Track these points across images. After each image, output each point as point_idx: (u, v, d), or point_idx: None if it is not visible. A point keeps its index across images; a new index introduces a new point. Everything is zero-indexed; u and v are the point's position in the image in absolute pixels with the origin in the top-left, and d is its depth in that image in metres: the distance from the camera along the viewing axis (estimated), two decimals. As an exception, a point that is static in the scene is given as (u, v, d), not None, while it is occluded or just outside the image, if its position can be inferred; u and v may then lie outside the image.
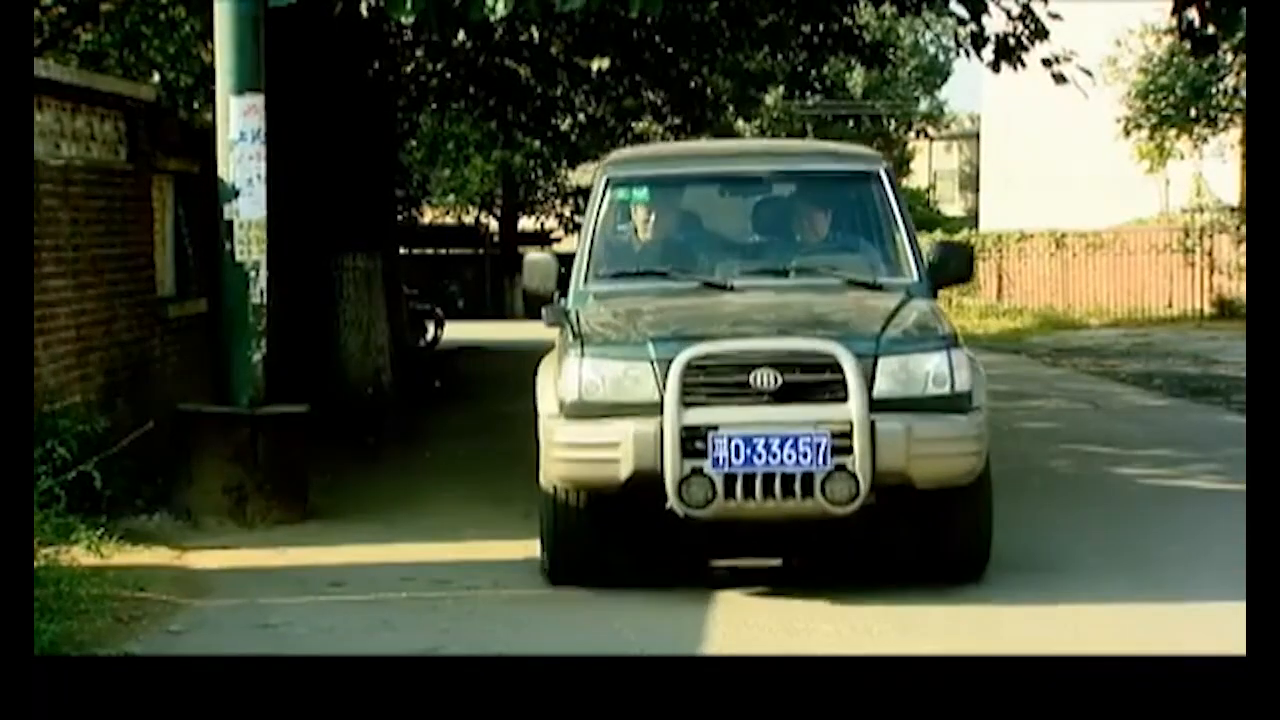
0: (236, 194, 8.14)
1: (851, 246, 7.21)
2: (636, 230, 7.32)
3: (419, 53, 15.26)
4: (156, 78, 14.93)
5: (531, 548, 6.68)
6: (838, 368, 5.95)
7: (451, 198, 33.27)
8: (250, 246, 8.18)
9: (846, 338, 6.08)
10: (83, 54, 14.15)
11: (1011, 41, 11.68)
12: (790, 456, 5.88)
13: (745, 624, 5.84)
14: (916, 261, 6.94)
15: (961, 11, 11.51)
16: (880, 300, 6.62)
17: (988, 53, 11.73)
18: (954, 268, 7.01)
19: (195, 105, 15.19)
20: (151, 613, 5.94)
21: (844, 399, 5.93)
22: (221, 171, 8.19)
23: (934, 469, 6.03)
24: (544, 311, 6.84)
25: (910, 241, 7.00)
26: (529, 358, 6.79)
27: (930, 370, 6.09)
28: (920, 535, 6.47)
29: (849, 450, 5.89)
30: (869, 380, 5.97)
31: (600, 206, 7.14)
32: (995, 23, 11.75)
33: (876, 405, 5.95)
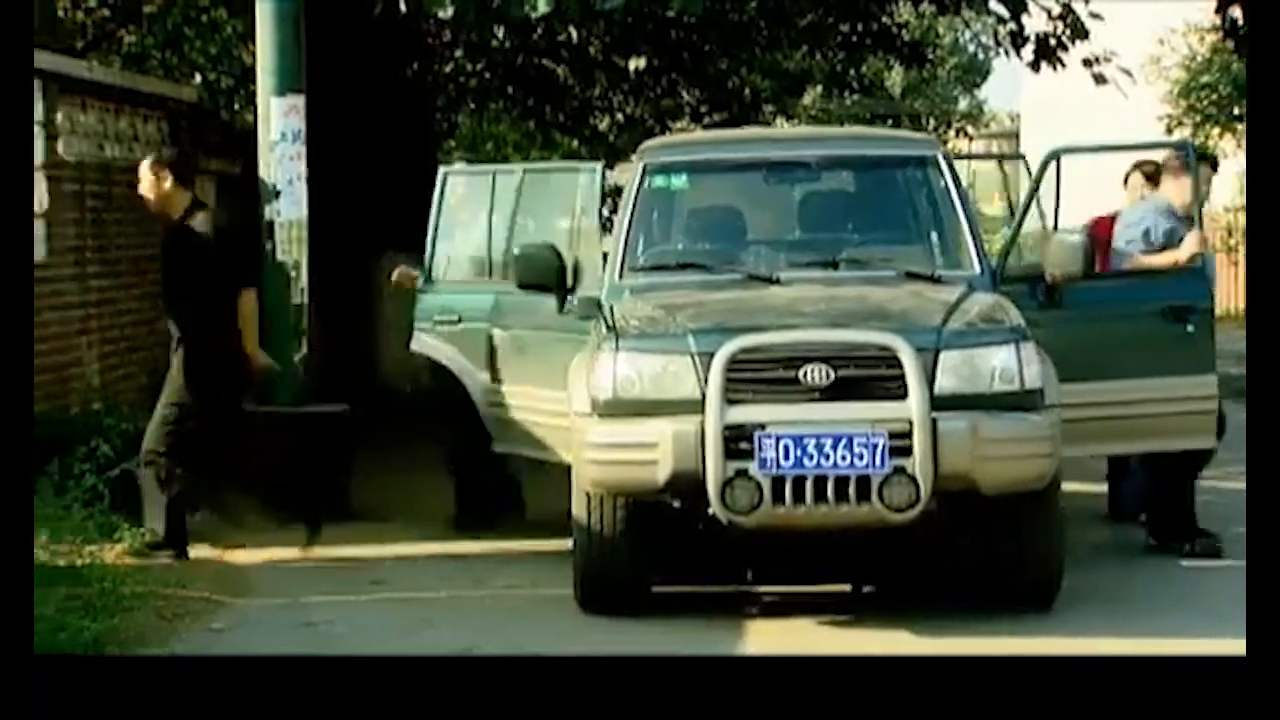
0: (277, 194, 8.19)
1: (907, 236, 6.74)
2: (674, 221, 6.97)
3: (457, 53, 15.29)
4: (198, 79, 15.02)
5: (568, 548, 6.63)
6: (895, 362, 5.51)
7: (490, 197, 33.28)
8: (291, 247, 8.23)
9: (905, 330, 5.62)
10: (125, 56, 14.24)
11: (1052, 41, 11.62)
12: (844, 458, 5.45)
13: (783, 646, 5.60)
14: (979, 253, 6.47)
15: (1001, 10, 11.45)
16: (940, 292, 6.12)
17: (1027, 52, 11.68)
18: (1068, 262, 6.37)
19: (236, 106, 15.28)
20: (194, 610, 5.98)
21: (902, 396, 5.48)
22: (262, 172, 8.24)
23: (1002, 472, 5.56)
24: (575, 304, 6.47)
25: (972, 231, 6.52)
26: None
27: (997, 365, 5.64)
28: (985, 550, 5.98)
29: (908, 451, 5.43)
30: (930, 376, 5.52)
31: (636, 196, 6.67)
32: (1035, 22, 11.68)
33: (938, 403, 5.50)
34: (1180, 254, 6.81)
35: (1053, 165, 7.02)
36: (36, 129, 7.71)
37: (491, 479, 7.78)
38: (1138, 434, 6.64)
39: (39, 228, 7.68)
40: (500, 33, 13.23)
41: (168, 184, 6.82)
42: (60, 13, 12.25)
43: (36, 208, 7.65)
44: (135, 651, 5.16)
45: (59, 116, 8.00)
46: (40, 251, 7.65)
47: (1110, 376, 6.51)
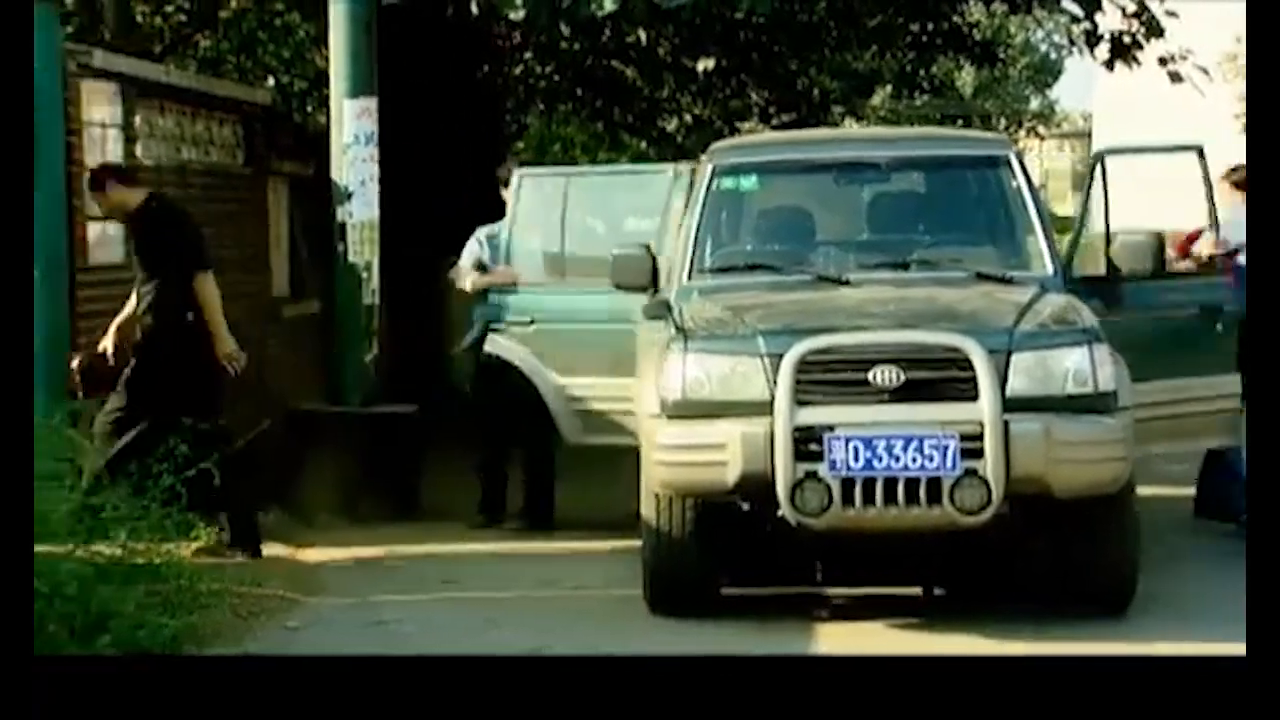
0: (349, 196, 8.28)
1: (978, 237, 6.72)
2: (743, 222, 6.96)
3: (527, 55, 15.38)
4: (271, 82, 15.21)
5: (638, 549, 6.64)
6: (967, 364, 5.49)
7: (558, 198, 33.44)
8: (362, 248, 8.31)
9: (976, 331, 5.60)
10: (201, 60, 14.45)
11: (1126, 39, 11.48)
12: (915, 460, 5.42)
13: (852, 649, 5.59)
14: (1051, 253, 6.43)
15: (1075, 9, 11.33)
16: (1012, 293, 6.11)
17: (1102, 51, 11.54)
18: (1140, 261, 6.39)
19: (309, 109, 15.45)
20: (269, 608, 6.06)
21: (974, 398, 5.46)
22: (335, 174, 8.33)
23: (1075, 475, 5.52)
24: (644, 305, 6.50)
25: (1044, 232, 6.49)
26: (635, 358, 6.73)
27: (1070, 367, 5.60)
28: (1057, 554, 5.94)
29: (980, 454, 5.40)
30: (1001, 377, 5.50)
31: (705, 197, 6.69)
32: (1110, 20, 11.55)
33: (1010, 405, 5.46)
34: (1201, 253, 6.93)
35: (1098, 167, 7.02)
36: (115, 132, 7.85)
37: (538, 478, 7.89)
38: (1187, 433, 6.69)
39: (116, 230, 7.80)
40: (569, 34, 13.28)
41: (115, 194, 6.87)
42: (139, 17, 12.45)
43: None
44: (212, 648, 5.24)
45: (137, 120, 8.12)
46: (117, 253, 7.77)
47: (1171, 375, 6.54)
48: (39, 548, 4.79)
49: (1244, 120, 26.33)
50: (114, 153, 7.82)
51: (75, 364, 6.02)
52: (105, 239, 7.64)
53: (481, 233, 8.06)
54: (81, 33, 11.63)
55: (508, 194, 7.87)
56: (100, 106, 7.71)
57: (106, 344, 6.75)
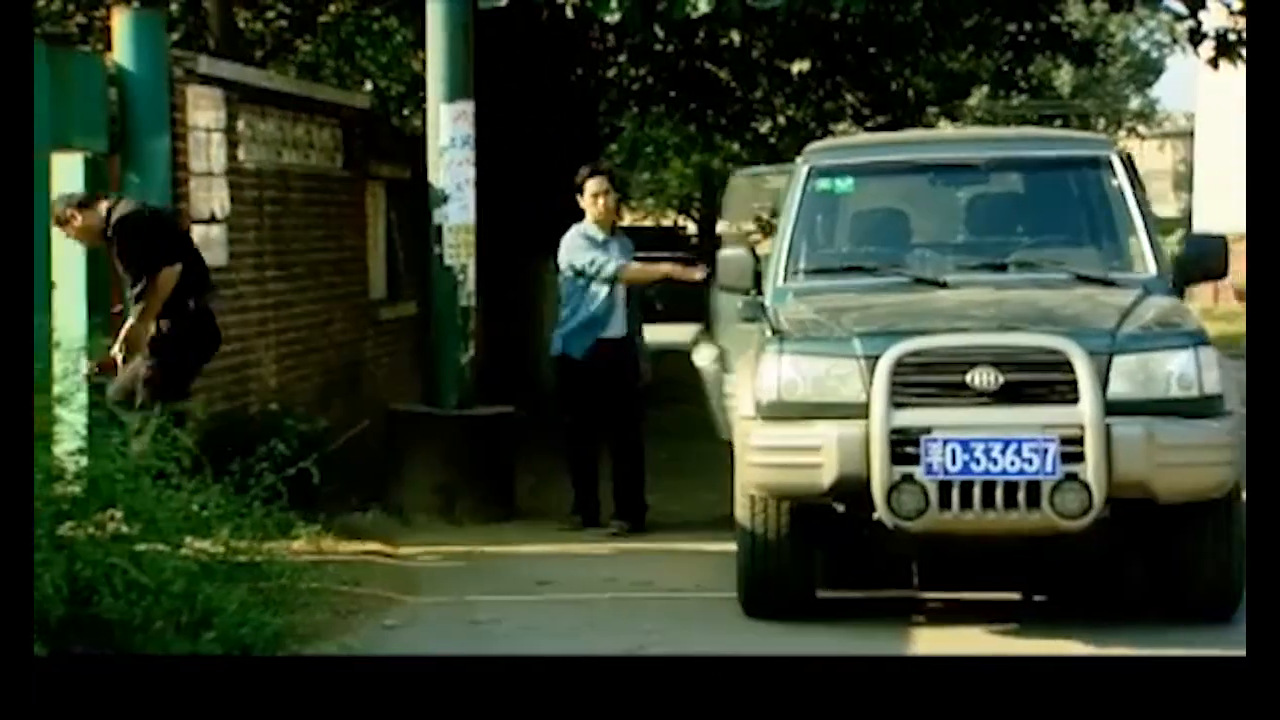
0: (446, 199, 8.35)
1: (1080, 239, 6.63)
2: (839, 223, 6.92)
3: (621, 57, 15.42)
4: (369, 86, 15.40)
5: (733, 551, 6.64)
6: (1067, 366, 5.42)
7: (651, 201, 33.52)
8: (459, 250, 8.37)
9: (1077, 333, 5.54)
10: (300, 65, 14.66)
11: (1231, 37, 11.27)
12: (1013, 463, 5.36)
13: (949, 652, 5.52)
14: (1155, 255, 6.33)
15: (1179, 7, 11.15)
16: (1114, 296, 6.05)
17: (1206, 49, 11.34)
18: (1207, 262, 6.28)
19: (406, 112, 15.62)
20: (367, 607, 6.12)
21: (1074, 400, 5.39)
22: (432, 177, 8.40)
23: (1179, 479, 5.44)
24: (739, 306, 6.49)
25: (1148, 233, 6.39)
26: (729, 361, 6.74)
27: (1174, 370, 5.52)
28: (1161, 560, 5.84)
29: (1080, 458, 5.33)
30: (1103, 380, 5.43)
31: (800, 198, 6.66)
32: (1214, 18, 11.35)
33: (1112, 408, 5.40)
34: None
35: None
36: (219, 136, 7.99)
37: (630, 479, 7.92)
38: None
39: (220, 233, 7.95)
40: (663, 36, 13.30)
41: (84, 219, 6.77)
42: (241, 23, 12.66)
43: (219, 213, 7.93)
44: (312, 646, 5.31)
45: (240, 124, 8.27)
46: (221, 256, 7.91)
47: None
48: (147, 546, 4.90)
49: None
50: (218, 157, 7.97)
51: (86, 370, 6.12)
52: (209, 242, 7.78)
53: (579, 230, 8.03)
54: (187, 39, 11.86)
55: (583, 200, 7.91)
56: (205, 111, 7.85)
57: (115, 352, 6.80)
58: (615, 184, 8.14)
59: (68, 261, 6.87)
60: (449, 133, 8.32)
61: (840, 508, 5.76)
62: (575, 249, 7.92)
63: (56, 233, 6.78)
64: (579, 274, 7.86)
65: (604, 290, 7.81)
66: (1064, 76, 34.16)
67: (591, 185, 7.93)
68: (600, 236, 7.93)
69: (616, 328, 7.87)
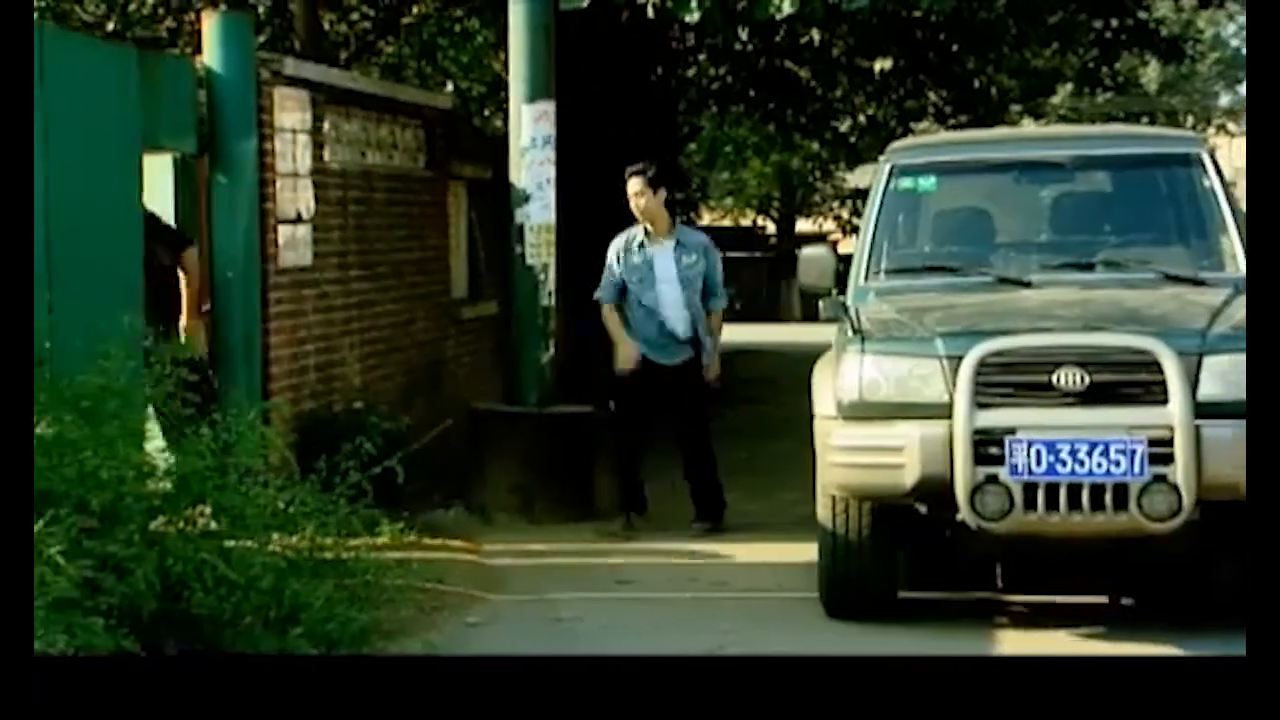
0: (527, 199, 8.39)
1: (1168, 238, 6.57)
2: (921, 223, 6.88)
3: (701, 57, 15.42)
4: (450, 87, 15.51)
5: (812, 551, 6.62)
6: (1155, 366, 5.36)
7: (729, 200, 33.48)
8: (540, 250, 8.42)
9: (1166, 334, 5.47)
10: (384, 66, 14.80)
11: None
12: (1100, 465, 5.32)
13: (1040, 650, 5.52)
14: (1245, 254, 6.18)
15: (1269, 1, 10.94)
16: (1204, 295, 5.98)
17: (1297, 44, 11.12)
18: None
19: (486, 113, 15.72)
20: (450, 604, 6.18)
21: (1163, 401, 5.34)
22: (513, 177, 8.45)
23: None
24: (821, 305, 6.45)
25: (1238, 232, 6.30)
26: (805, 360, 6.70)
27: None
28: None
29: (1169, 460, 5.28)
30: (1193, 381, 5.37)
31: (883, 197, 6.64)
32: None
33: (1201, 409, 5.33)
34: None
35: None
36: (305, 137, 8.09)
37: (704, 479, 7.92)
38: None
39: (305, 233, 8.04)
40: (744, 35, 13.28)
41: None
42: (326, 25, 12.81)
43: (304, 213, 8.02)
44: (397, 642, 5.37)
45: (325, 125, 8.36)
46: (306, 256, 8.01)
47: None
48: (236, 542, 4.98)
49: None
50: (303, 157, 8.06)
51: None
52: (294, 242, 7.88)
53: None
54: (273, 41, 12.02)
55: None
56: (291, 113, 7.94)
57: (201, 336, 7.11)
58: (663, 181, 7.93)
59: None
60: (530, 133, 8.36)
61: (922, 508, 5.73)
62: (609, 256, 7.90)
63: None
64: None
65: (649, 294, 7.77)
66: (1151, 73, 33.64)
67: (629, 186, 7.91)
68: (639, 240, 7.86)
69: (669, 330, 7.80)
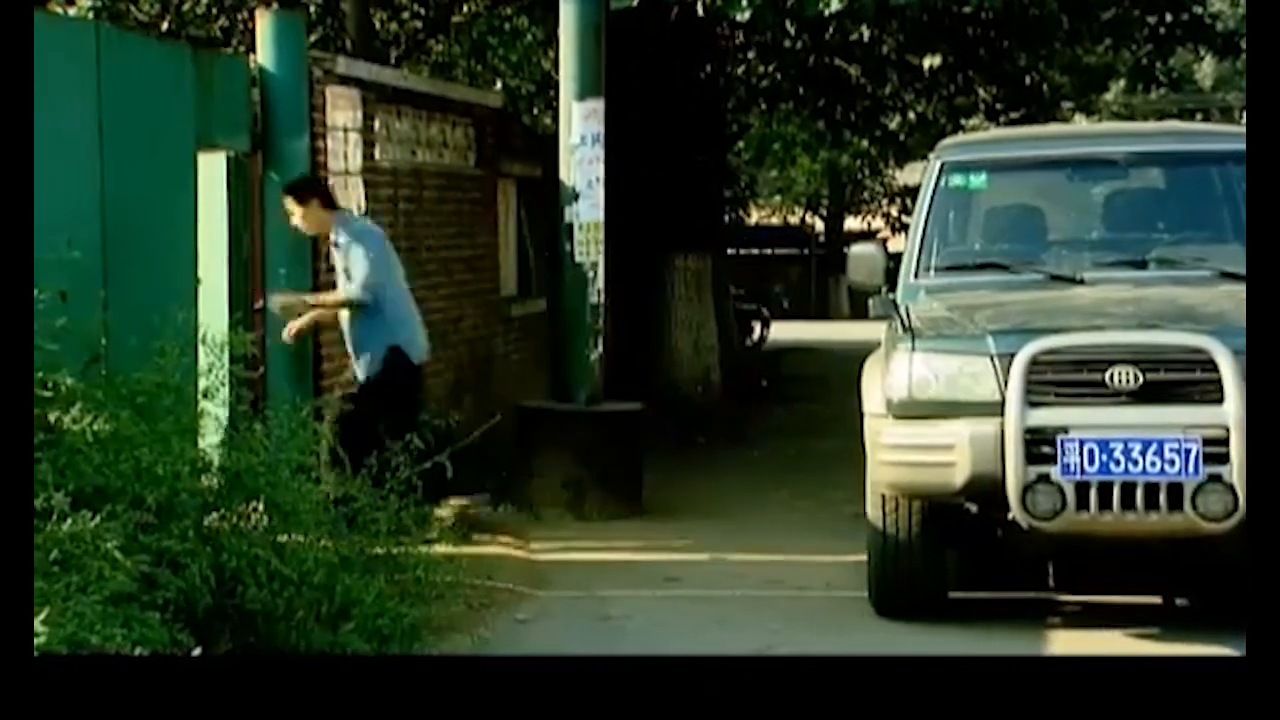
0: (576, 197, 8.40)
1: (1222, 235, 6.49)
2: (971, 220, 6.84)
3: (750, 54, 15.39)
4: (500, 85, 15.55)
5: (861, 550, 6.57)
6: (1210, 365, 5.32)
7: (778, 198, 33.38)
8: (589, 248, 8.43)
9: (1221, 332, 5.41)
10: (434, 64, 14.86)
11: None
12: (1154, 464, 5.28)
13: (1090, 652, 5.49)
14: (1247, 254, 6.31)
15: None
16: None
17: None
18: None
19: (536, 111, 15.75)
20: (500, 601, 6.21)
21: (1218, 400, 5.28)
22: (563, 175, 8.46)
23: None
24: (871, 303, 6.44)
25: None
26: (854, 359, 6.67)
27: None
28: None
29: (1225, 459, 5.22)
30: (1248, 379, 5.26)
31: (933, 194, 6.60)
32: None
33: None
34: None
35: None
36: (356, 135, 8.13)
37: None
38: None
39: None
40: (793, 32, 13.24)
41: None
42: (377, 24, 12.88)
43: (355, 210, 8.07)
44: (448, 638, 5.40)
45: (376, 123, 8.41)
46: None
47: None
48: (289, 537, 5.02)
49: None
50: (355, 155, 8.11)
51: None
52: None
53: None
54: (325, 40, 12.09)
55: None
56: (343, 111, 7.99)
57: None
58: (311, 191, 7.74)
59: (211, 259, 7.06)
60: (580, 131, 8.37)
61: (973, 508, 5.71)
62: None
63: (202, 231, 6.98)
64: None
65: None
66: (1205, 69, 33.28)
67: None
68: None
69: None
